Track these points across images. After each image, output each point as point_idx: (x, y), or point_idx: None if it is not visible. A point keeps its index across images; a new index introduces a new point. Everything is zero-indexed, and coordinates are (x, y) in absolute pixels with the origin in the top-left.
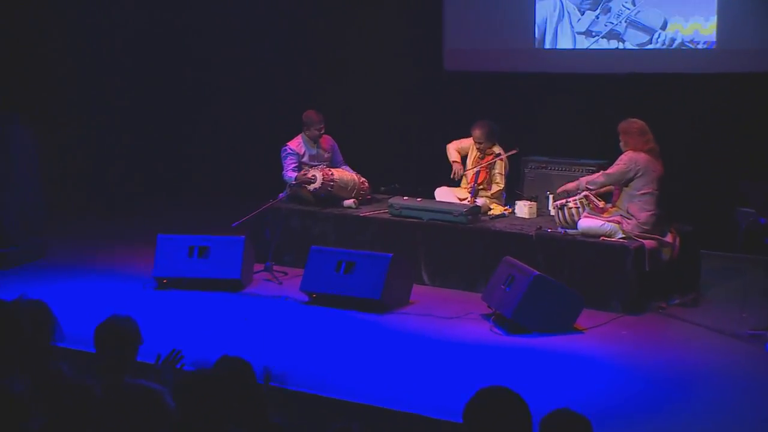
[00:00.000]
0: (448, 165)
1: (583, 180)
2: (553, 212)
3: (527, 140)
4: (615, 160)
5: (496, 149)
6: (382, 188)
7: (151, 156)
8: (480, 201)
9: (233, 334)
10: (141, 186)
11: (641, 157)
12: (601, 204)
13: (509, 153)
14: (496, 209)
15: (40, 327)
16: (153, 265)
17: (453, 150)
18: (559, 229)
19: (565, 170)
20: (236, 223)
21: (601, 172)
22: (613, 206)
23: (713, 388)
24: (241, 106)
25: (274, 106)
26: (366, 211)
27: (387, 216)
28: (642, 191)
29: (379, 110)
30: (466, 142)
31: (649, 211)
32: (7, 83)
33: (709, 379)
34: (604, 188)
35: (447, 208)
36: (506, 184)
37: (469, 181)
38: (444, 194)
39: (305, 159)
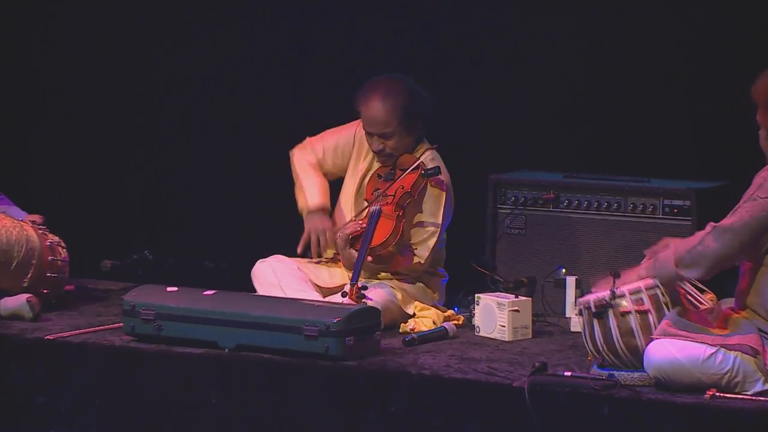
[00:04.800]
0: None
1: (670, 254)
2: (575, 322)
3: (502, 137)
4: (746, 188)
5: (425, 153)
6: (108, 263)
7: None
8: (378, 293)
9: None
10: None
11: None
12: (707, 300)
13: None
14: (424, 317)
15: None
16: None
17: (306, 163)
18: (595, 369)
19: (603, 209)
20: None
21: (711, 225)
22: (742, 308)
23: None
24: None
25: None
26: (62, 329)
27: (122, 340)
28: None
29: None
30: (344, 134)
31: None
32: None
33: None
34: (719, 266)
35: (287, 318)
36: (444, 244)
37: (342, 240)
38: (280, 276)
39: None
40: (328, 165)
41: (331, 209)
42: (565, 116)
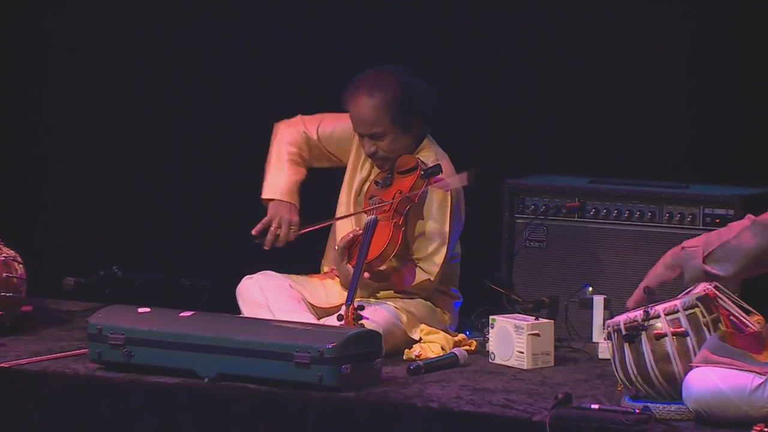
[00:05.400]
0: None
1: (699, 246)
2: (604, 348)
3: (520, 136)
4: None
5: (429, 154)
6: (71, 280)
7: None
8: (380, 315)
9: None
10: None
11: None
12: (754, 322)
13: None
14: (432, 342)
15: None
16: None
17: (291, 143)
18: (627, 401)
19: (635, 219)
20: None
21: (750, 218)
22: None
23: None
24: None
25: None
26: (18, 356)
27: (87, 369)
28: None
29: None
30: (344, 124)
31: None
32: None
33: None
34: (752, 265)
35: (275, 343)
36: (458, 259)
37: (339, 254)
38: (269, 294)
39: None
40: (317, 151)
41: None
42: (592, 113)
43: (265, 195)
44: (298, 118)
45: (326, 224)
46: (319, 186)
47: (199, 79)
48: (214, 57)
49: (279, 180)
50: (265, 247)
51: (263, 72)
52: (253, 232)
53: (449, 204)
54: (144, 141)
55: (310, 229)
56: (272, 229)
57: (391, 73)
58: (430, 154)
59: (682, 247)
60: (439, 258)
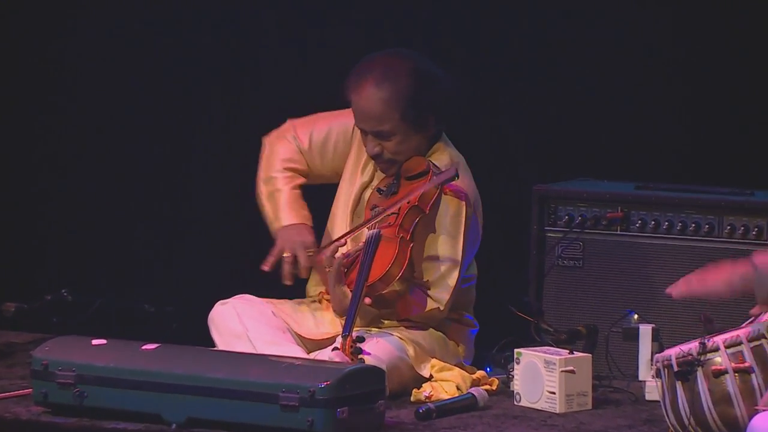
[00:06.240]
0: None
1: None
2: (652, 387)
3: (551, 135)
4: None
5: (443, 157)
6: (12, 306)
7: None
8: (383, 348)
9: None
10: None
11: None
12: None
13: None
14: (445, 380)
15: None
16: None
17: (281, 159)
18: None
19: (689, 233)
20: None
21: None
22: None
23: None
24: None
25: None
26: None
27: (30, 413)
28: None
29: None
30: (339, 123)
31: None
32: None
33: None
34: None
35: (257, 382)
36: (476, 280)
37: (336, 273)
38: (248, 323)
39: None
40: (316, 162)
41: (314, 226)
42: (638, 106)
43: (272, 228)
44: (288, 124)
45: (348, 235)
46: (310, 192)
47: (167, 87)
48: (193, 70)
49: (284, 208)
50: (286, 281)
51: (254, 78)
52: (265, 268)
53: (464, 215)
54: (98, 147)
55: (333, 245)
56: (286, 257)
57: (404, 59)
58: (444, 157)
59: (753, 264)
60: (451, 282)
